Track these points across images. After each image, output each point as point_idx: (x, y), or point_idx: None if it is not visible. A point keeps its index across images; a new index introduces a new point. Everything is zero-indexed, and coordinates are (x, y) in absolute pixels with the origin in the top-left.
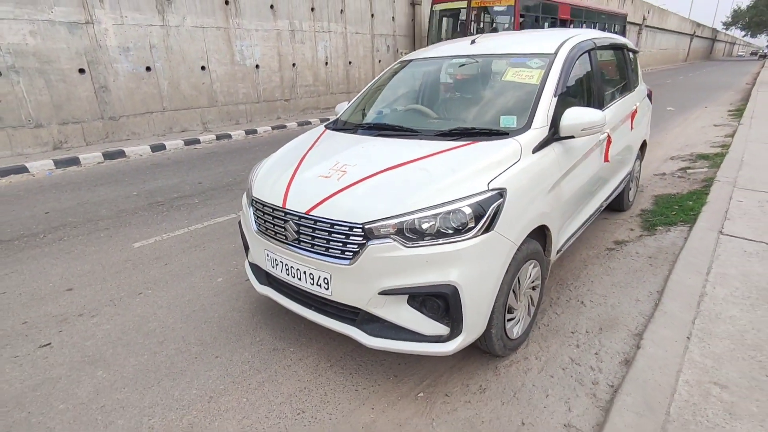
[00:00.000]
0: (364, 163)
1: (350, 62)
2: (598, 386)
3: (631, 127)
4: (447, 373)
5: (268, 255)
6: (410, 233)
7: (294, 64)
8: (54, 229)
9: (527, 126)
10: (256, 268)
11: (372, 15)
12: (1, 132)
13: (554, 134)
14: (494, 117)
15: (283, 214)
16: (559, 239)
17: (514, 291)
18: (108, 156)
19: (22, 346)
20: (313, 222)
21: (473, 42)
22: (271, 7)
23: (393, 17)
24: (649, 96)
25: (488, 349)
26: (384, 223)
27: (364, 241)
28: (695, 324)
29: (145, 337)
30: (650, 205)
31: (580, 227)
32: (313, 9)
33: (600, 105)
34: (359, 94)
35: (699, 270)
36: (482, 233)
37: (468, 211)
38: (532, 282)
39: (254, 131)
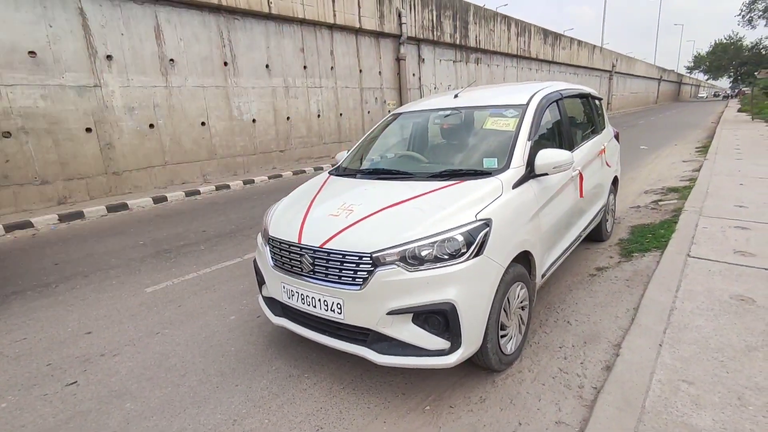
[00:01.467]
0: (368, 203)
1: (341, 114)
2: (584, 389)
3: (602, 165)
4: (450, 388)
5: (284, 287)
6: (412, 260)
7: (288, 118)
8: (66, 279)
9: (506, 166)
10: (270, 302)
11: (360, 70)
12: (6, 190)
13: (530, 172)
14: (478, 159)
15: (299, 249)
16: (542, 264)
17: (504, 309)
18: (111, 209)
19: (50, 385)
20: (326, 254)
21: (456, 96)
22: (267, 66)
23: (380, 72)
24: (616, 137)
25: (485, 364)
26: (389, 251)
27: (373, 268)
28: (666, 333)
29: (167, 372)
30: (627, 235)
31: (561, 254)
32: (305, 67)
33: (570, 146)
34: (357, 144)
35: (669, 288)
36: (473, 257)
37: (460, 238)
38: (521, 302)
39: (251, 181)
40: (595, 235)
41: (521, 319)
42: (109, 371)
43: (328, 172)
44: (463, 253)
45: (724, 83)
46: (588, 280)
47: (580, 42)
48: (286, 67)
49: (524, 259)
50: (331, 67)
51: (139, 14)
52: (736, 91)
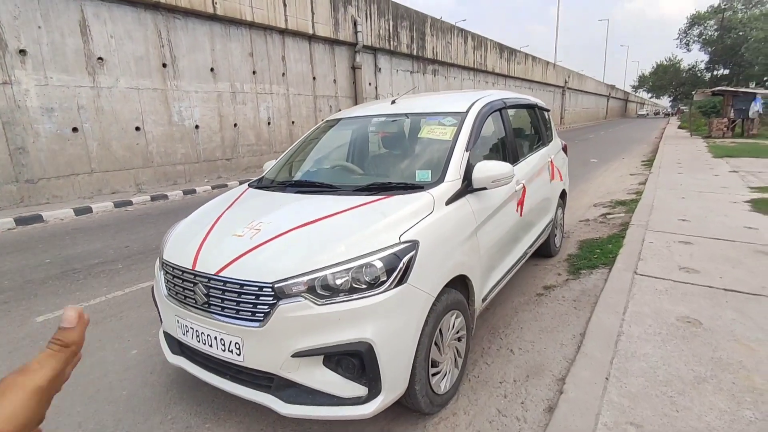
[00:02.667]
0: (280, 221)
1: (293, 122)
2: None
3: (550, 178)
4: None
5: (178, 321)
6: (322, 290)
7: (236, 125)
8: None
9: (441, 179)
10: (169, 337)
11: (314, 78)
12: None
13: (468, 186)
14: (410, 171)
15: (193, 276)
16: (482, 288)
17: (436, 343)
18: (21, 221)
19: None
20: (222, 283)
21: (393, 102)
22: (212, 70)
23: (335, 80)
24: (564, 149)
25: (414, 408)
26: (294, 281)
27: (275, 301)
28: (613, 364)
29: None
30: (576, 250)
31: (505, 274)
32: (254, 72)
33: (513, 158)
34: (285, 153)
35: (616, 310)
36: (395, 286)
37: (379, 264)
38: (457, 333)
39: (193, 191)
40: (544, 251)
41: (457, 352)
42: None
43: (248, 184)
44: (383, 282)
45: (665, 102)
46: (535, 301)
47: (534, 58)
48: (233, 71)
49: (461, 283)
50: (283, 74)
51: (60, 7)
52: (676, 109)
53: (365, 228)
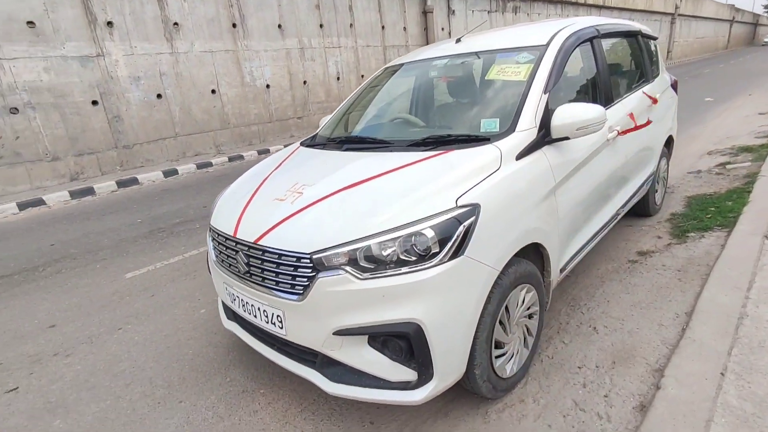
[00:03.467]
0: (324, 182)
1: (362, 76)
2: None
3: (653, 121)
4: (431, 419)
5: (227, 289)
6: (366, 262)
7: (305, 82)
8: (54, 262)
9: (511, 129)
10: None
11: (383, 27)
12: (20, 167)
13: (545, 136)
14: (476, 121)
15: (234, 244)
16: (561, 257)
17: (501, 322)
18: (122, 184)
19: None
20: (261, 252)
21: (458, 40)
22: (279, 26)
23: (405, 27)
24: (674, 86)
25: (475, 391)
26: (334, 252)
27: (314, 274)
28: (732, 355)
29: (112, 379)
30: (682, 208)
31: (589, 240)
32: (321, 25)
33: (607, 99)
34: (340, 106)
35: (738, 285)
36: (450, 259)
37: (430, 233)
38: (528, 309)
39: (267, 150)
40: (640, 209)
41: (527, 330)
42: (54, 376)
43: (300, 143)
44: (435, 254)
45: None
46: (627, 269)
47: None
48: (300, 26)
49: (535, 252)
50: (351, 24)
51: None
52: None
53: (416, 190)
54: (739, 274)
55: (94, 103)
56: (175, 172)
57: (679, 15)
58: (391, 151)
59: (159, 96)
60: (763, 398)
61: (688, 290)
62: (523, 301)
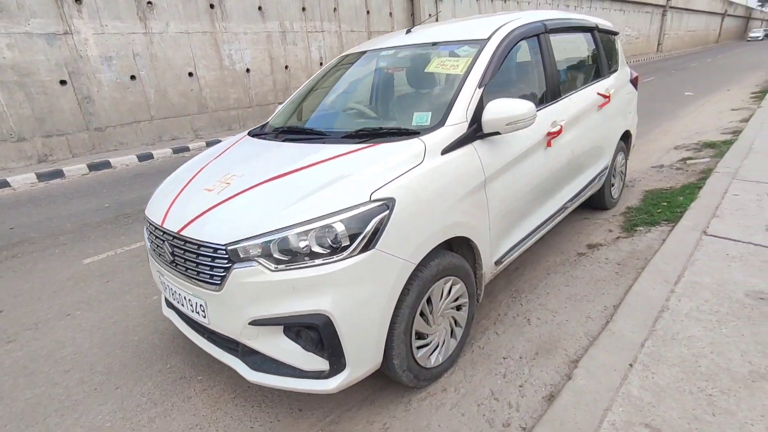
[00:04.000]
0: (251, 173)
1: None
2: (509, 429)
3: (604, 118)
4: (356, 406)
5: (159, 278)
6: (280, 254)
7: (287, 66)
8: (12, 246)
9: (441, 123)
10: None
11: (368, 12)
12: None
13: (477, 131)
14: (410, 114)
15: (162, 234)
16: (495, 250)
17: (423, 313)
18: (93, 167)
19: None
20: (183, 243)
21: (409, 31)
22: (259, 8)
23: (390, 13)
24: (634, 82)
25: (397, 381)
26: (249, 243)
27: (229, 265)
28: (644, 347)
29: (52, 366)
30: (638, 202)
31: (531, 233)
32: (304, 9)
33: (553, 94)
34: (291, 96)
35: (667, 279)
36: (360, 252)
37: (340, 227)
38: (455, 301)
39: None
40: (597, 203)
41: (455, 321)
42: None
43: (248, 132)
44: (346, 247)
45: None
46: (573, 261)
47: None
48: (282, 9)
49: (466, 244)
50: (334, 9)
51: None
52: None
53: (335, 183)
54: (672, 268)
55: (63, 82)
56: (150, 156)
57: (671, 7)
58: (325, 142)
59: (133, 77)
60: (663, 388)
61: (622, 284)
62: (449, 293)
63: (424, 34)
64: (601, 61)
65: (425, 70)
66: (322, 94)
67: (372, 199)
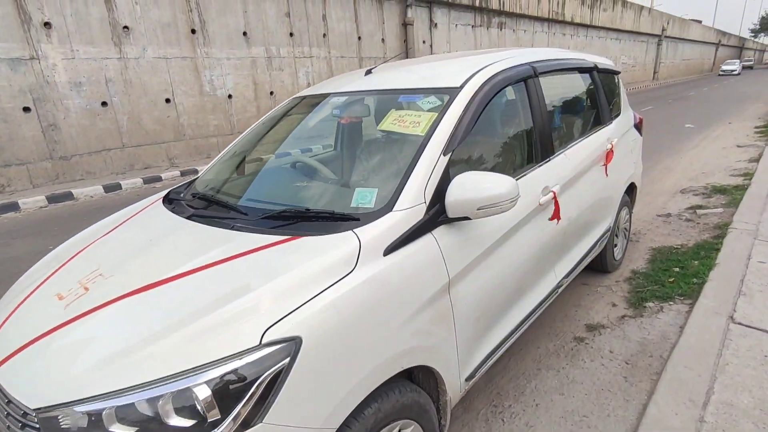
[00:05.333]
0: (123, 274)
1: None
2: None
3: (607, 173)
4: None
5: None
6: (121, 427)
7: (272, 93)
8: None
9: (389, 206)
10: None
11: (359, 38)
12: None
13: (441, 214)
14: (348, 190)
15: None
16: (466, 365)
17: None
18: (53, 199)
19: None
20: None
21: (369, 72)
22: (244, 33)
23: (383, 39)
24: (638, 126)
25: None
26: (69, 410)
27: None
28: None
29: None
30: (645, 264)
31: (513, 330)
32: (291, 34)
33: (545, 152)
34: (230, 146)
35: (692, 396)
36: (240, 429)
37: (203, 393)
38: None
39: None
40: (597, 265)
41: None
42: None
43: (167, 193)
44: (217, 423)
45: None
46: (570, 352)
47: (625, 2)
48: (268, 34)
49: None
50: (324, 35)
51: None
52: None
53: (223, 306)
54: (696, 378)
55: (26, 109)
56: (118, 186)
57: (666, 37)
58: (237, 226)
59: (104, 104)
60: None
61: (632, 398)
62: None
63: (384, 77)
64: (601, 106)
65: (380, 127)
66: (258, 146)
67: (264, 342)
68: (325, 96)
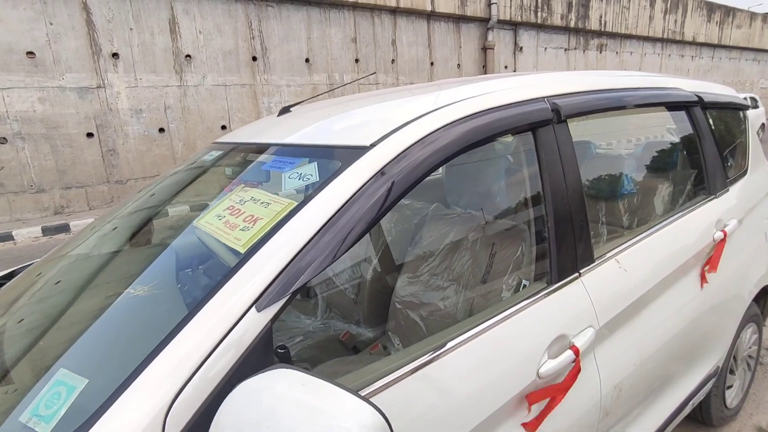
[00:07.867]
0: None
1: None
2: None
3: (702, 283)
4: None
5: None
6: None
7: None
8: None
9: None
10: None
11: (432, 63)
12: (1, 198)
13: None
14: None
15: None
16: None
17: None
18: None
19: None
20: None
21: (285, 111)
22: (307, 60)
23: (459, 64)
24: None
25: None
26: None
27: None
28: None
29: None
30: None
31: None
32: (357, 60)
33: (563, 269)
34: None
35: None
36: None
37: None
38: None
39: None
40: (697, 415)
41: None
42: None
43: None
44: None
45: None
46: None
47: (766, 17)
48: (332, 60)
49: None
50: (392, 60)
51: (151, 6)
52: None
53: None
54: None
55: (89, 135)
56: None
57: None
58: None
59: (161, 130)
60: None
61: None
62: None
63: (294, 123)
64: (707, 164)
65: (195, 224)
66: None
67: None
68: (231, 146)
